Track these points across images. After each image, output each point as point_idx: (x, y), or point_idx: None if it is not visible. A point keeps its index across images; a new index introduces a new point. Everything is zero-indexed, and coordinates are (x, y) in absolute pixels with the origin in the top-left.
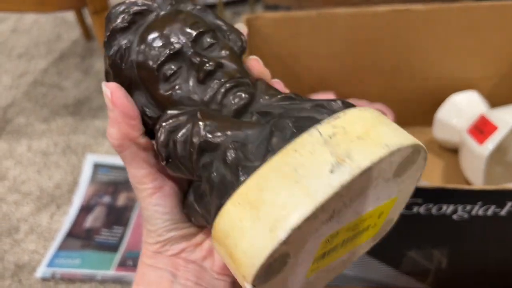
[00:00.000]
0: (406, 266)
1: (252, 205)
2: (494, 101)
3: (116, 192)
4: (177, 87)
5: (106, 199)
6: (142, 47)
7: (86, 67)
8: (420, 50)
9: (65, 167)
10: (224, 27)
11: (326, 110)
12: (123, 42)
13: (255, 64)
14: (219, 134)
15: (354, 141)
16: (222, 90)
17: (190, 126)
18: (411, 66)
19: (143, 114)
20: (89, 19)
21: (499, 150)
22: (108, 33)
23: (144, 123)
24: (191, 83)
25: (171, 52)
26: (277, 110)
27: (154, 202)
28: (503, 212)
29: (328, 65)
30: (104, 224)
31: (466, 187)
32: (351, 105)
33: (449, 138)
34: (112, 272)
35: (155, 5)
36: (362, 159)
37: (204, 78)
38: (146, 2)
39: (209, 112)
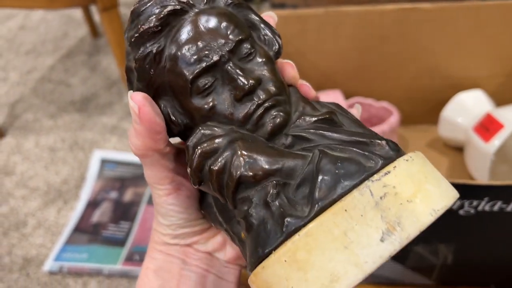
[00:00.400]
0: (412, 262)
1: (299, 265)
2: (500, 100)
3: (123, 188)
4: (210, 102)
5: (113, 194)
6: (176, 55)
7: (93, 64)
8: (427, 49)
9: (72, 163)
10: (260, 25)
11: (372, 155)
12: (154, 47)
13: (289, 70)
14: (260, 172)
15: (404, 205)
16: (260, 111)
17: (229, 156)
18: (418, 65)
19: (168, 119)
20: (96, 17)
21: (505, 148)
22: (136, 34)
23: (167, 125)
24: (226, 99)
25: (208, 64)
26: (313, 137)
27: (170, 201)
28: (510, 208)
29: (335, 63)
30: (111, 219)
31: (473, 182)
32: (395, 147)
33: (454, 136)
34: (119, 266)
35: (190, 1)
36: (411, 228)
37: (242, 98)
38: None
39: (247, 139)
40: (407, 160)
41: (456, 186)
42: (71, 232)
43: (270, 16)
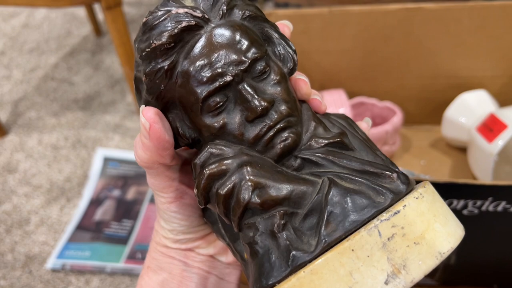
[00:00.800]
0: None
1: None
2: (504, 100)
3: (126, 186)
4: (221, 121)
5: (116, 192)
6: (188, 73)
7: (96, 63)
8: (431, 49)
9: (75, 161)
10: (276, 39)
11: (382, 189)
12: (166, 63)
13: (302, 86)
14: (268, 200)
15: (411, 247)
16: (270, 134)
17: (237, 181)
18: (421, 65)
19: (175, 132)
20: (99, 15)
21: (508, 149)
22: (148, 49)
23: (175, 137)
24: (237, 119)
25: (221, 84)
26: (324, 162)
27: (172, 209)
28: None
29: (339, 62)
30: (114, 217)
31: (476, 182)
32: (406, 179)
33: (457, 137)
34: (121, 264)
35: (205, 16)
36: (416, 272)
37: (254, 119)
38: (195, 14)
39: (257, 162)
40: (417, 198)
41: (460, 186)
42: (74, 230)
43: (285, 25)
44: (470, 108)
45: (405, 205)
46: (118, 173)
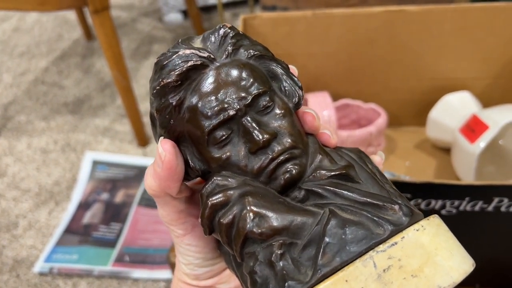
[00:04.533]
0: None
1: None
2: (486, 101)
3: (114, 189)
4: (226, 153)
5: (104, 195)
6: (195, 108)
7: (87, 67)
8: (414, 51)
9: (64, 165)
10: (281, 75)
11: (382, 221)
12: (174, 99)
13: (309, 119)
14: (267, 230)
15: (407, 280)
16: (273, 165)
17: (238, 211)
18: (405, 67)
19: (186, 164)
20: (90, 20)
21: (492, 149)
22: (158, 87)
23: (186, 169)
24: (241, 151)
25: (225, 118)
26: (327, 194)
27: (186, 242)
28: (490, 207)
29: (323, 65)
30: (102, 220)
31: (454, 182)
32: (409, 211)
33: (442, 138)
34: (109, 267)
35: (211, 56)
36: None
37: (256, 151)
38: (201, 54)
39: (258, 193)
40: (417, 230)
41: (437, 186)
42: (62, 233)
43: (292, 68)
44: (453, 109)
45: (403, 237)
46: (106, 176)
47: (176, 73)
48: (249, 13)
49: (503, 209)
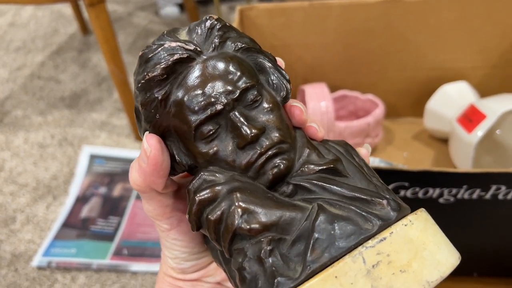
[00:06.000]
0: None
1: None
2: (484, 91)
3: (112, 183)
4: (214, 148)
5: (102, 189)
6: (181, 102)
7: (83, 61)
8: (412, 41)
9: (61, 159)
10: (269, 68)
11: (371, 216)
12: (160, 93)
13: (297, 113)
14: (256, 226)
15: (396, 275)
16: (261, 160)
17: (226, 207)
18: (403, 57)
19: (172, 159)
20: (86, 14)
21: (489, 139)
22: (143, 81)
23: (172, 164)
24: (229, 147)
25: (212, 113)
26: (315, 188)
27: (172, 236)
28: (488, 195)
29: (320, 56)
30: (100, 214)
31: (451, 170)
32: (397, 206)
33: (439, 128)
34: (107, 261)
35: (198, 49)
36: None
37: (245, 146)
38: (187, 47)
39: (247, 189)
40: (405, 225)
41: (435, 174)
42: (60, 228)
43: (279, 61)
44: (451, 99)
45: (392, 232)
46: (104, 170)
47: (162, 66)
48: (246, 5)
49: (500, 196)
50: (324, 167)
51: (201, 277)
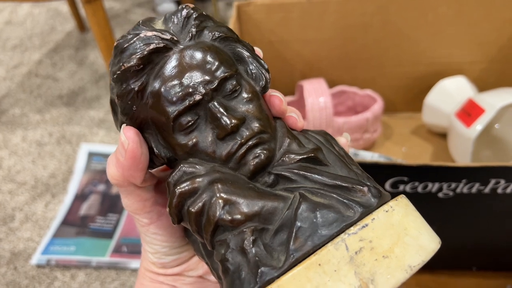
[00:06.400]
0: None
1: None
2: (482, 86)
3: None
4: (193, 139)
5: (101, 187)
6: (158, 93)
7: (80, 58)
8: (409, 36)
9: (59, 157)
10: (247, 58)
11: (352, 203)
12: (136, 84)
13: (276, 103)
14: (238, 216)
15: (379, 261)
16: (242, 151)
17: (207, 198)
18: (401, 52)
19: (151, 152)
20: (83, 11)
21: (488, 133)
22: (118, 72)
23: (150, 157)
24: (209, 138)
25: (190, 103)
26: (296, 177)
27: (152, 231)
28: (487, 189)
29: (318, 51)
30: (99, 211)
31: (450, 164)
32: (377, 193)
33: (438, 123)
34: (107, 258)
35: (174, 38)
36: (385, 286)
37: (225, 137)
38: (163, 36)
39: (228, 180)
40: (386, 211)
41: (434, 168)
42: (59, 225)
43: (257, 50)
44: (449, 94)
45: (373, 219)
46: (102, 167)
47: (138, 56)
48: (243, 1)
49: (499, 190)
50: (305, 156)
51: (182, 272)
